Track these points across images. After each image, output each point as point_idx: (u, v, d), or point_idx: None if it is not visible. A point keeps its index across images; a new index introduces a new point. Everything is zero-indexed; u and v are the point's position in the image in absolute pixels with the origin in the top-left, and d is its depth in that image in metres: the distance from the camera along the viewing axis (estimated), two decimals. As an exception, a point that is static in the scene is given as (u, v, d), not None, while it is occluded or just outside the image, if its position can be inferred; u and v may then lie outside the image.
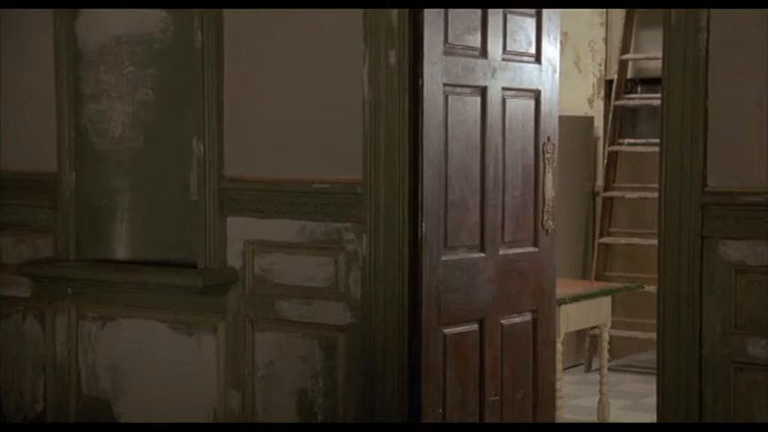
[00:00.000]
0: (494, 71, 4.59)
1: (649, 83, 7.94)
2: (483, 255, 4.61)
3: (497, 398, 4.70)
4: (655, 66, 7.15)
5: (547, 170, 4.84)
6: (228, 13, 4.52)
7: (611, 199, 7.91)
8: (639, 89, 8.15)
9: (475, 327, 4.61)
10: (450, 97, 4.40)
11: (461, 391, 4.55)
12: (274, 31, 4.44)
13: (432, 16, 4.26)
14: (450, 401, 4.48)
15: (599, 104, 8.12)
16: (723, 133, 3.65)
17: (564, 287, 5.47)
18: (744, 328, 3.64)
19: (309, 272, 4.41)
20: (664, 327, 3.76)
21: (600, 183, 7.97)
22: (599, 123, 8.09)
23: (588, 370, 7.62)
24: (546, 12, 4.81)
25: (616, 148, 7.88)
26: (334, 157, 4.35)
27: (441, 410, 4.42)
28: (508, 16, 4.65)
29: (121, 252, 4.88)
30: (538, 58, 4.81)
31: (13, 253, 5.09)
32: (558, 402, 5.31)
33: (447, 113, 4.39)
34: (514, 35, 4.69)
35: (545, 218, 4.85)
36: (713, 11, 3.63)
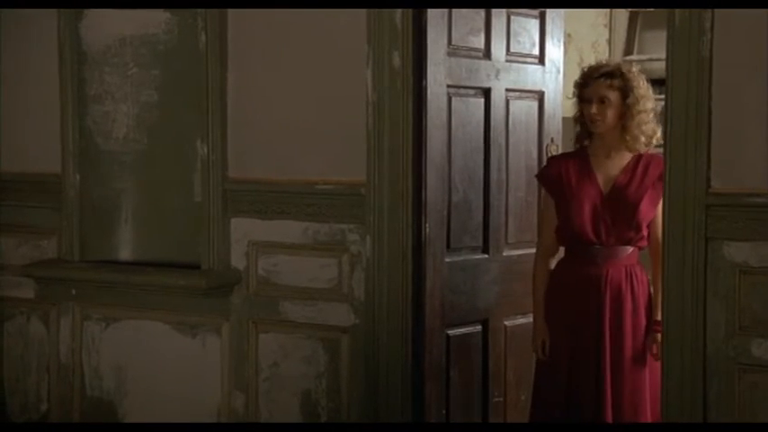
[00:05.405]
0: (497, 72, 4.60)
1: (653, 84, 7.90)
2: (486, 256, 4.62)
3: (501, 399, 4.70)
4: (659, 67, 7.12)
5: (550, 171, 4.83)
6: (232, 15, 4.52)
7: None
8: (643, 90, 8.12)
9: (478, 328, 4.62)
10: (453, 99, 4.40)
11: (465, 392, 4.55)
12: (278, 33, 4.44)
13: (435, 18, 4.26)
14: (454, 402, 4.48)
15: (602, 106, 8.09)
16: (727, 135, 3.64)
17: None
18: (748, 330, 3.64)
19: (313, 273, 4.41)
20: (668, 328, 3.76)
21: (604, 184, 7.94)
22: (602, 125, 8.06)
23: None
24: (549, 13, 4.82)
25: (620, 149, 7.86)
26: (337, 159, 4.35)
27: (444, 411, 4.42)
28: (512, 18, 4.65)
29: (125, 253, 4.88)
30: (541, 59, 4.82)
31: (16, 254, 5.09)
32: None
33: (450, 115, 4.39)
34: (518, 36, 4.69)
35: (548, 219, 4.84)
36: (717, 12, 3.62)
